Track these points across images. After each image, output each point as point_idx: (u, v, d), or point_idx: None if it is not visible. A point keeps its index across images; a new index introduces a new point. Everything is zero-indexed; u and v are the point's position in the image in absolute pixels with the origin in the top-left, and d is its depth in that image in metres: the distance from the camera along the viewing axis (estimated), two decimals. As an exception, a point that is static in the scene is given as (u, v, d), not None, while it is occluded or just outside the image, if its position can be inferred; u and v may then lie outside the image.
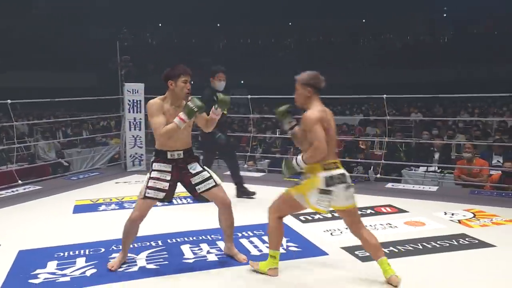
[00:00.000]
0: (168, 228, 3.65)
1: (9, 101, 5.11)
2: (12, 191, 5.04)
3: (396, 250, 3.17)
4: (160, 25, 29.71)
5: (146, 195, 2.82)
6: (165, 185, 2.83)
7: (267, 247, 2.85)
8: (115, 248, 3.22)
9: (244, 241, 3.36)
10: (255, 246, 3.26)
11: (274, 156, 7.76)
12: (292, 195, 2.67)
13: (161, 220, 3.88)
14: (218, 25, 29.67)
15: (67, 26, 24.87)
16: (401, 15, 28.16)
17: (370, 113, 15.69)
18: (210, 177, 2.93)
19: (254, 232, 3.56)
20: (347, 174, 2.65)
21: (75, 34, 25.03)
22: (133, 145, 6.35)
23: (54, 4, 25.88)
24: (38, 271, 2.83)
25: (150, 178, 2.85)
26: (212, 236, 3.47)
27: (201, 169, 2.94)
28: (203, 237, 3.45)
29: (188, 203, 4.57)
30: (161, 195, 2.83)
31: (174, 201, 4.56)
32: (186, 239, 3.41)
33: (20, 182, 5.21)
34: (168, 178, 2.84)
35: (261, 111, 16.26)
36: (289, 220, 3.86)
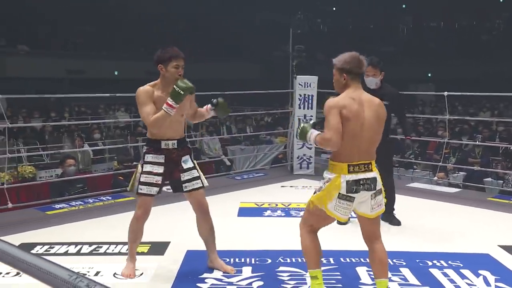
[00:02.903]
0: (341, 245, 3.65)
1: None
2: (180, 187, 5.68)
3: None
4: (334, 9, 30.03)
5: (139, 191, 2.98)
6: (158, 179, 2.97)
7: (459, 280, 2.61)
8: (282, 260, 3.36)
9: (435, 272, 3.15)
10: (451, 281, 3.02)
11: (472, 169, 7.15)
12: (315, 204, 2.61)
13: (333, 234, 3.89)
14: (404, 6, 28.62)
15: (234, 12, 26.90)
16: None
17: None
18: (199, 177, 3.05)
19: (449, 262, 3.32)
20: (378, 179, 2.58)
21: (240, 21, 26.90)
22: (302, 146, 6.54)
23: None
24: (205, 275, 3.11)
25: (142, 172, 2.98)
26: (394, 260, 3.35)
27: (192, 165, 3.05)
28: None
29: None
30: (155, 190, 2.99)
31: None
32: (363, 260, 3.36)
33: (187, 178, 5.83)
34: (161, 171, 2.97)
35: (453, 111, 15.18)
36: (496, 251, 3.51)
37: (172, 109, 2.84)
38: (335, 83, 2.68)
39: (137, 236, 3.13)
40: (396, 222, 4.26)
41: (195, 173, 3.05)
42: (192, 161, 3.09)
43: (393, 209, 4.32)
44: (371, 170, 2.55)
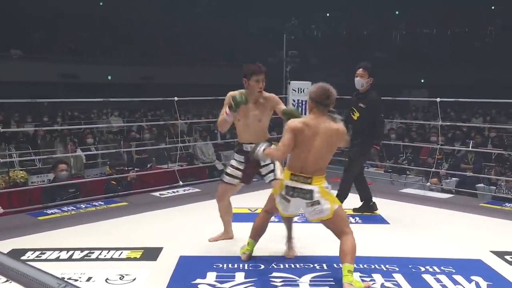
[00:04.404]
0: (332, 251, 3.64)
1: (176, 98, 5.77)
2: (173, 192, 5.68)
3: None
4: (327, 15, 30.16)
5: (223, 179, 3.74)
6: (238, 173, 3.68)
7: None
8: (275, 266, 3.36)
9: (428, 278, 3.16)
10: (444, 286, 3.03)
11: (465, 174, 7.18)
12: (274, 193, 3.29)
13: (324, 240, 3.89)
14: (397, 12, 28.81)
15: (228, 18, 26.97)
16: None
17: None
18: (273, 171, 3.63)
19: (442, 268, 3.32)
20: (316, 192, 3.02)
21: (234, 27, 26.95)
22: (295, 151, 6.53)
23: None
24: (198, 280, 3.10)
25: (230, 165, 3.72)
26: (387, 266, 3.36)
27: (270, 161, 3.61)
28: (376, 266, 3.36)
29: (357, 222, 4.51)
30: (235, 181, 3.71)
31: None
32: (355, 266, 3.34)
33: (181, 183, 5.85)
34: (242, 167, 3.67)
35: (445, 117, 15.24)
36: (488, 257, 3.53)
37: (228, 116, 3.54)
38: (308, 107, 3.22)
39: (223, 213, 3.84)
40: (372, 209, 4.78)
41: (271, 166, 3.64)
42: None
43: (368, 201, 4.82)
44: (310, 184, 3.04)
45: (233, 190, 3.80)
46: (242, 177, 3.68)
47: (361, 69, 4.54)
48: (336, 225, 3.13)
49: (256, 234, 3.44)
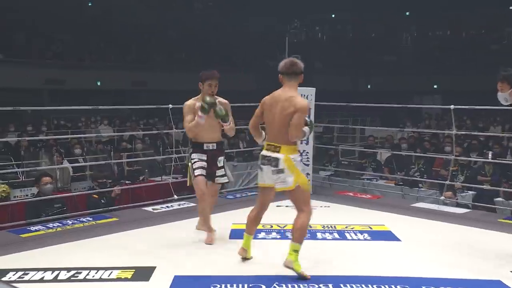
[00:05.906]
0: (340, 270, 3.66)
1: (170, 106, 5.79)
2: (167, 207, 5.68)
3: None
4: (333, 16, 30.27)
5: (195, 174, 4.20)
6: (204, 164, 4.23)
7: None
8: (276, 286, 3.36)
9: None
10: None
11: (482, 188, 7.18)
12: None
13: (329, 260, 3.90)
14: (408, 13, 28.93)
15: (226, 18, 27.04)
16: None
17: None
18: (225, 174, 4.37)
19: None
20: (282, 160, 3.44)
21: (232, 29, 27.02)
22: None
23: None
24: (194, 302, 3.09)
25: (193, 163, 4.21)
26: (399, 286, 3.36)
27: (223, 164, 4.34)
28: (386, 286, 3.37)
29: (366, 239, 4.50)
30: (204, 171, 4.22)
31: (347, 235, 4.61)
32: (364, 286, 3.36)
33: (175, 197, 5.85)
34: (205, 158, 4.25)
35: (460, 125, 15.25)
36: (508, 278, 3.55)
37: (201, 118, 4.09)
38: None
39: (204, 213, 4.33)
40: None
41: (223, 171, 4.35)
42: (224, 161, 4.38)
43: None
44: (278, 152, 3.47)
45: (205, 185, 4.29)
46: (207, 168, 4.24)
47: (499, 82, 4.04)
48: (297, 200, 3.57)
49: (248, 229, 3.80)
